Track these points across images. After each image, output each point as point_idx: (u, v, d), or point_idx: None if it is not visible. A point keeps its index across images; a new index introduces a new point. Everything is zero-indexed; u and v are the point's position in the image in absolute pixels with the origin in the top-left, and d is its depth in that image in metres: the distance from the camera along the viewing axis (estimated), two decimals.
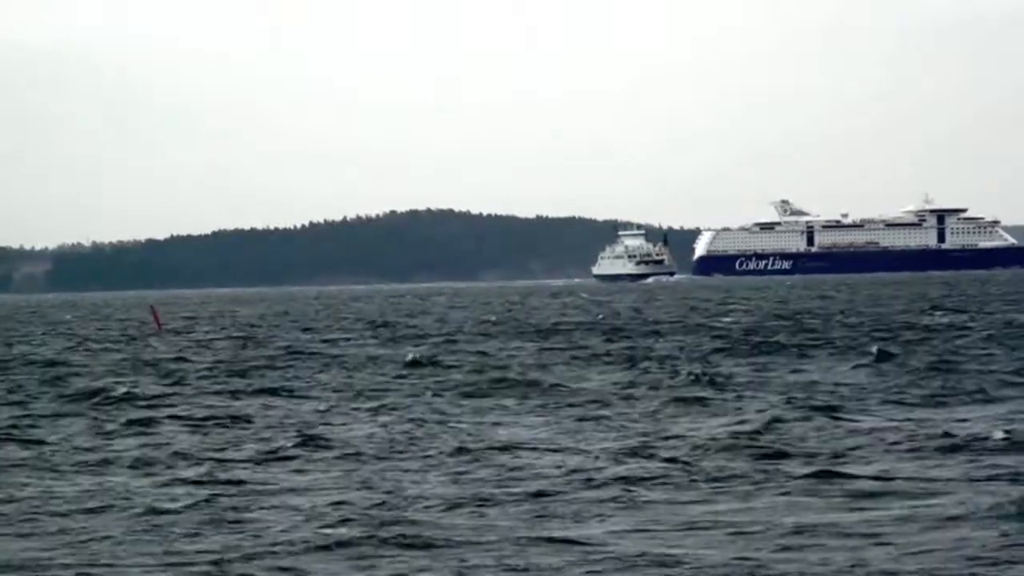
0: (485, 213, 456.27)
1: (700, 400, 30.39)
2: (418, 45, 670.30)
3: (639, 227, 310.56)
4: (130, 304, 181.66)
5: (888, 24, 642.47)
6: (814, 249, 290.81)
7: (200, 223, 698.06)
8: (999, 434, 23.05)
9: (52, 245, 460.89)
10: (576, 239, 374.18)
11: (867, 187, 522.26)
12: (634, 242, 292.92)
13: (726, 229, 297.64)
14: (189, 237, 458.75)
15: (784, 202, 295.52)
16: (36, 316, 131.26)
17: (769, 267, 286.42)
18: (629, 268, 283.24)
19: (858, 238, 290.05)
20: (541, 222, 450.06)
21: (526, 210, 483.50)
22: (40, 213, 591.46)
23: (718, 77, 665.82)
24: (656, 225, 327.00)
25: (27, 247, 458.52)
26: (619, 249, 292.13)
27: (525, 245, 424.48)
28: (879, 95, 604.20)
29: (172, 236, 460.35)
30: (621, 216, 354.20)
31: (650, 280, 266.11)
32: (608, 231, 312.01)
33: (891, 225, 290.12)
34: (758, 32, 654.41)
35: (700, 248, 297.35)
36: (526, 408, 30.36)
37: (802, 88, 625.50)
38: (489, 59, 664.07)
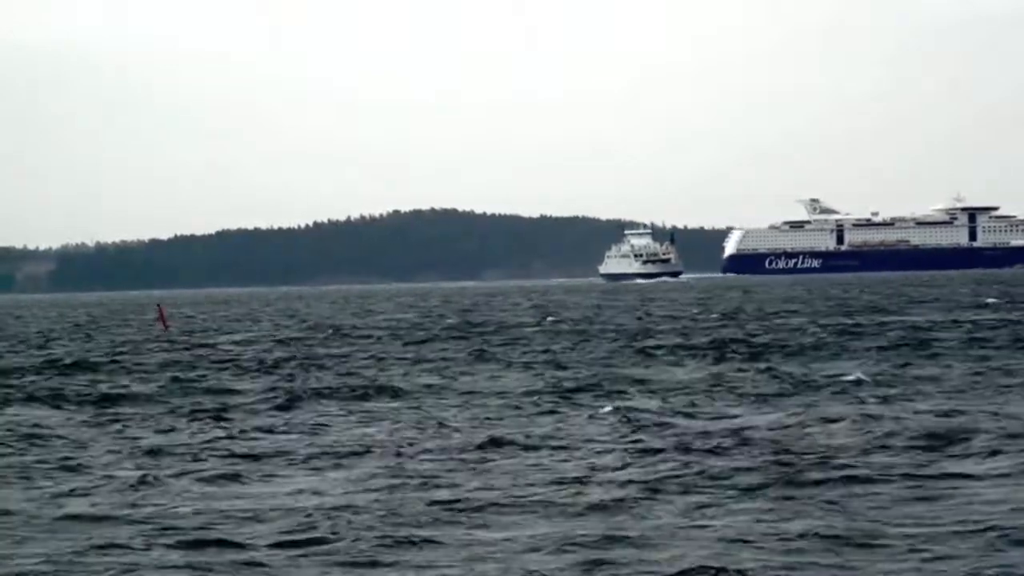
0: (488, 213, 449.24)
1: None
2: (418, 45, 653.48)
3: (645, 226, 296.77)
4: (119, 302, 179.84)
5: (888, 24, 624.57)
6: (844, 248, 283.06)
7: (203, 223, 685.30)
8: None
9: (56, 245, 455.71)
10: (579, 238, 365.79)
11: (865, 187, 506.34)
12: (640, 241, 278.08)
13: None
14: (193, 237, 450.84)
15: (813, 200, 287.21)
16: None
17: (799, 266, 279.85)
18: (635, 267, 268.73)
19: (888, 236, 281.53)
20: (544, 221, 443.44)
21: (529, 210, 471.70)
22: (43, 213, 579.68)
23: (718, 77, 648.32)
24: (660, 224, 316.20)
25: (31, 247, 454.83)
26: (625, 248, 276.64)
27: (528, 245, 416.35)
28: (879, 95, 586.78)
29: (176, 236, 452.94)
30: (624, 215, 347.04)
31: (651, 281, 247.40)
32: (612, 230, 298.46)
33: (922, 223, 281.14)
34: (758, 32, 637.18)
35: (730, 247, 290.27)
36: None
37: (802, 88, 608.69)
38: (489, 59, 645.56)
